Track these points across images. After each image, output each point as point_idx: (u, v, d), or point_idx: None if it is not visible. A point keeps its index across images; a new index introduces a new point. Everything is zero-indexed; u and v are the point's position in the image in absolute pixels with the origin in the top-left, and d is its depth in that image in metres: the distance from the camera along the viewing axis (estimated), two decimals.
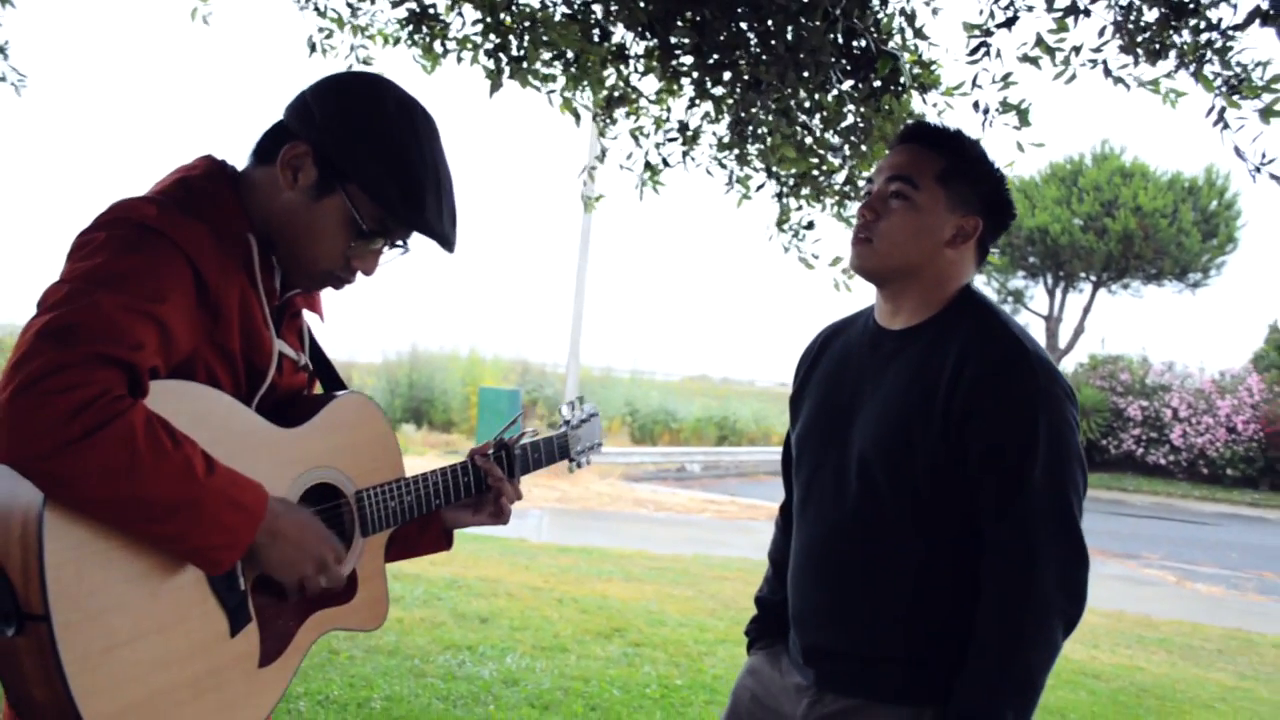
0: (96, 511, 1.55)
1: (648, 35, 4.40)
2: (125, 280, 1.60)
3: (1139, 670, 7.78)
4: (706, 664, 6.55)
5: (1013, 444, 2.07)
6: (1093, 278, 29.18)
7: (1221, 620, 10.30)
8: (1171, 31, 3.88)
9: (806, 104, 4.26)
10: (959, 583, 2.13)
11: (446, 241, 1.88)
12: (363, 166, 1.79)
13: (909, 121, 4.06)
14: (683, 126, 4.64)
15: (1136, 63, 4.00)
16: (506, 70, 4.33)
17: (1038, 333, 28.56)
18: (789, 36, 4.02)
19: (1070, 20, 3.84)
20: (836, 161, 4.41)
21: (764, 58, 4.14)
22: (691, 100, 4.49)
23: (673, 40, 4.34)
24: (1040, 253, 28.88)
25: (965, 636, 2.11)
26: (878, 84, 4.21)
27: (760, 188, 4.58)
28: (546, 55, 4.46)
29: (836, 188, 4.49)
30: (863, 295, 2.36)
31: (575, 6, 4.45)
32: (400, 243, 1.90)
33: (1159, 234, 27.46)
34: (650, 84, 4.69)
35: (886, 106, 4.16)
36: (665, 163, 4.66)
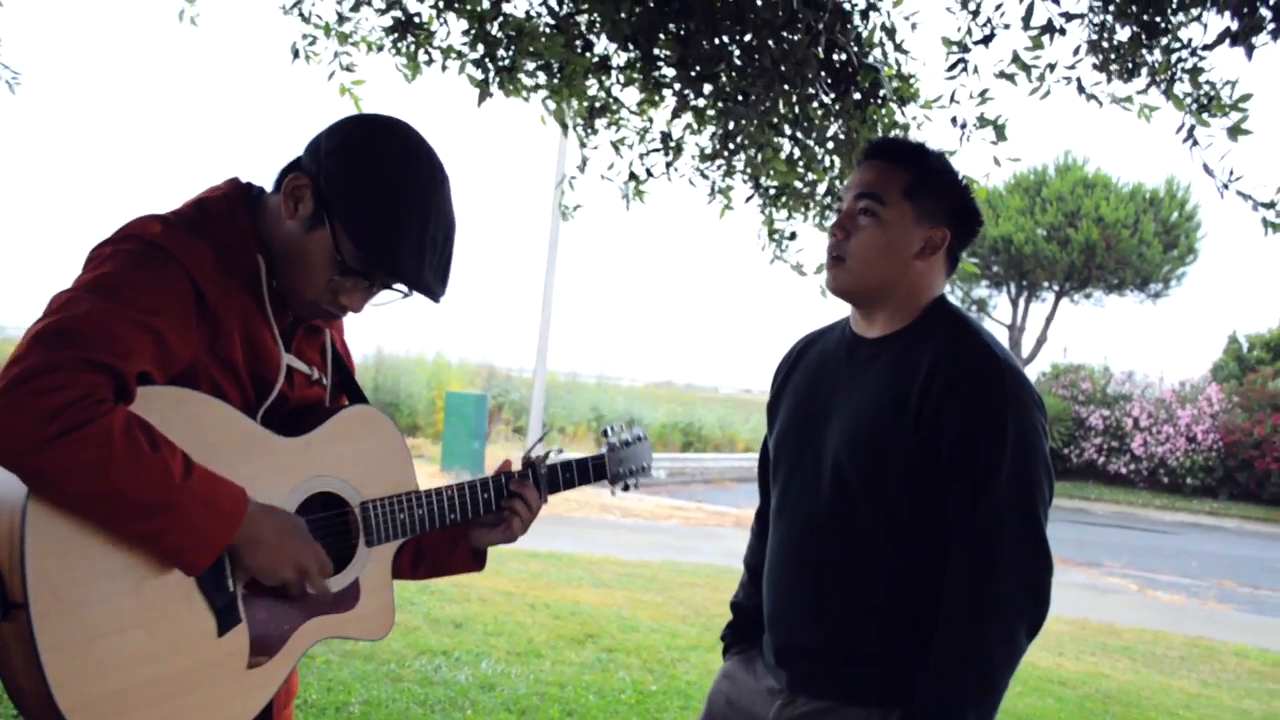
0: (75, 508, 1.62)
1: (630, 47, 4.45)
2: (123, 291, 1.69)
3: (1104, 677, 7.89)
4: (680, 670, 6.59)
5: (981, 448, 2.12)
6: (1055, 287, 29.43)
7: (1183, 628, 10.44)
8: (1144, 50, 3.96)
9: (790, 116, 4.32)
10: (930, 583, 2.17)
11: (425, 289, 1.91)
12: (348, 206, 1.84)
13: (877, 137, 4.12)
14: (665, 137, 4.69)
15: (1109, 80, 4.09)
16: (495, 80, 4.37)
17: (1001, 341, 28.70)
18: (772, 49, 4.08)
19: (1046, 38, 3.91)
20: (819, 172, 4.47)
21: (747, 70, 4.20)
22: (674, 111, 4.54)
23: (656, 52, 4.39)
24: (1004, 262, 29.10)
25: (933, 636, 2.15)
26: (858, 97, 4.27)
27: (749, 199, 4.63)
28: (530, 65, 4.50)
29: (819, 199, 4.55)
30: (839, 303, 2.41)
31: (559, 17, 4.49)
32: (390, 286, 1.92)
33: (1121, 244, 27.74)
34: (632, 95, 4.73)
35: (873, 117, 4.22)
36: (649, 173, 4.71)
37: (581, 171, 4.76)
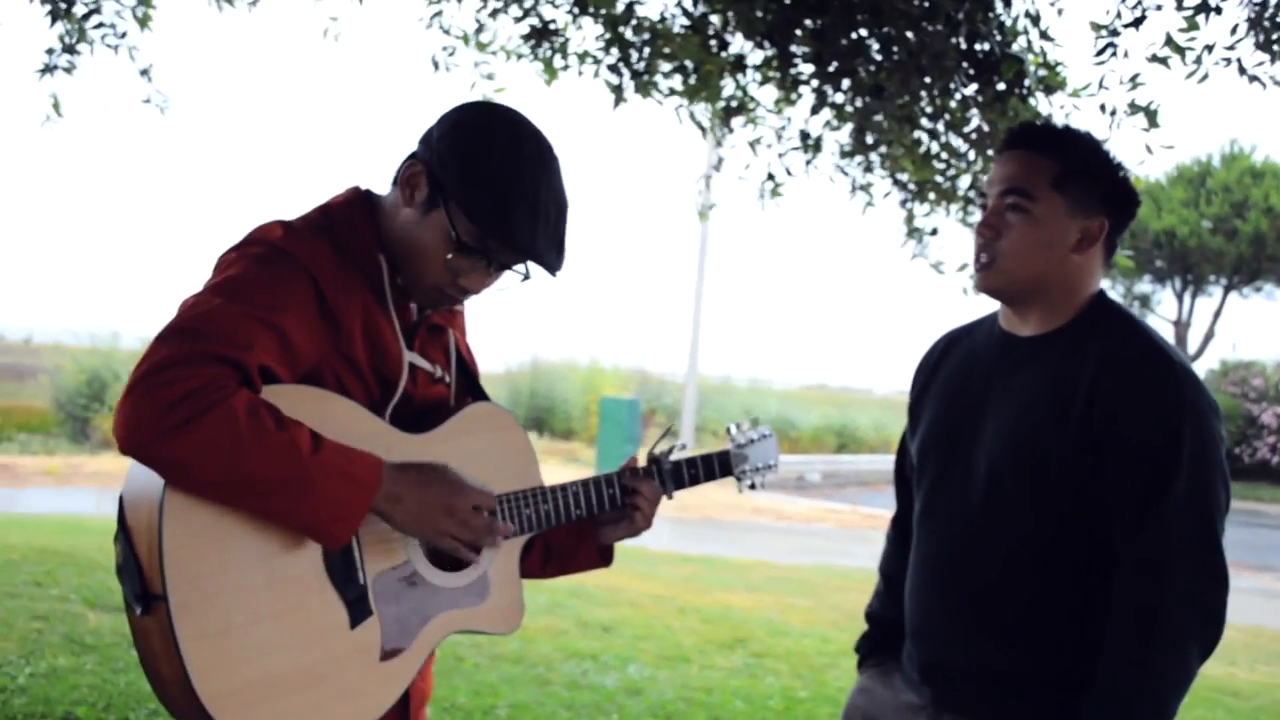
0: (209, 493, 1.67)
1: (766, 45, 4.40)
2: (246, 291, 1.74)
3: None
4: (830, 676, 6.48)
5: (1154, 458, 1.99)
6: (1223, 281, 28.29)
7: None
8: None
9: (929, 110, 4.21)
10: (1091, 601, 2.05)
11: (540, 259, 1.91)
12: (460, 183, 1.86)
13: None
14: (804, 135, 4.63)
15: (1273, 60, 3.88)
16: (631, 84, 4.37)
17: (1166, 338, 27.79)
18: (910, 42, 3.98)
19: (1201, 18, 3.74)
20: (961, 166, 4.35)
21: (885, 64, 4.11)
22: (812, 109, 4.47)
23: (791, 49, 4.33)
24: (1167, 256, 28.05)
25: (1094, 657, 2.02)
26: (1002, 87, 4.14)
27: (886, 195, 4.54)
28: (666, 67, 4.49)
29: (961, 193, 4.43)
30: (989, 300, 2.28)
31: (694, 18, 4.46)
32: (510, 265, 1.94)
33: None
34: (769, 93, 4.68)
35: (1012, 110, 4.09)
36: (788, 172, 4.65)
37: (717, 171, 4.73)
